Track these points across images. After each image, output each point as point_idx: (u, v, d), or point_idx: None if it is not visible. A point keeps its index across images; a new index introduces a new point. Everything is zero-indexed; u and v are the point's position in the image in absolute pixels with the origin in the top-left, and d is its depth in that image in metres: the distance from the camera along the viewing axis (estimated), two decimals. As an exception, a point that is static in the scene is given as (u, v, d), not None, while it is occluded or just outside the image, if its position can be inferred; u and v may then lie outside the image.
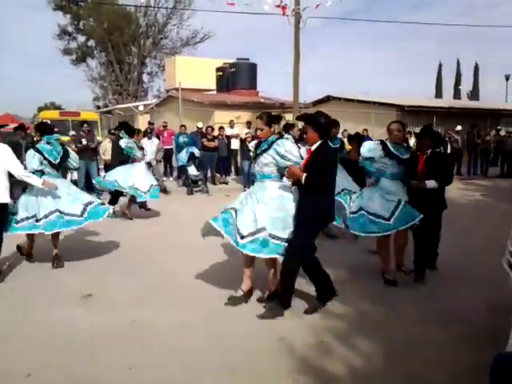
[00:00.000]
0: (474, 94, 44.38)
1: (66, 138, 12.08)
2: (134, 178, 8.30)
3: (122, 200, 9.14)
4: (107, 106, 35.67)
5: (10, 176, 5.12)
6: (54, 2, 36.58)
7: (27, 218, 5.39)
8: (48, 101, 46.37)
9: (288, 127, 7.99)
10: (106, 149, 11.83)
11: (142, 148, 8.88)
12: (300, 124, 9.69)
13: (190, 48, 38.41)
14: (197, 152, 12.16)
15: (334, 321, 4.05)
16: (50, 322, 4.00)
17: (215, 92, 23.16)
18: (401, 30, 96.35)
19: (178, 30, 38.25)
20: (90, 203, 5.69)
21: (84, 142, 11.00)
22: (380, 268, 5.12)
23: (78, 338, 3.71)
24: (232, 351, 3.49)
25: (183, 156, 12.15)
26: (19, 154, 6.49)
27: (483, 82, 53.04)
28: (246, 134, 13.05)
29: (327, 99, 20.36)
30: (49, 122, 15.21)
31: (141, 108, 23.90)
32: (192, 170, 12.31)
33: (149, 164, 9.48)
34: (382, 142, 5.06)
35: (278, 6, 14.75)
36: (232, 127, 15.15)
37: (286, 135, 4.33)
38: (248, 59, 22.38)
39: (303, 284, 4.53)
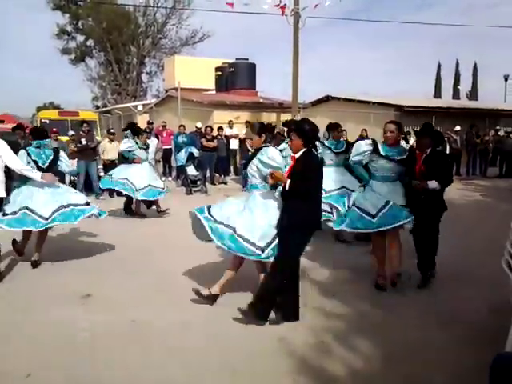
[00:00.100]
0: (473, 94, 44.46)
1: (65, 138, 12.11)
2: (132, 174, 8.34)
3: (122, 199, 9.14)
4: (106, 105, 35.58)
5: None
6: (53, 1, 36.47)
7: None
8: (47, 100, 46.43)
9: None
10: (105, 149, 11.83)
11: (146, 148, 8.79)
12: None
13: (189, 48, 38.34)
14: (196, 152, 12.17)
15: (334, 321, 4.05)
16: (49, 322, 3.99)
17: (214, 92, 23.15)
18: (400, 30, 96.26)
19: (177, 30, 38.18)
20: (67, 206, 5.53)
21: (84, 141, 10.98)
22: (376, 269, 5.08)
23: (77, 337, 3.71)
24: (232, 351, 3.49)
25: (182, 156, 12.16)
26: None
27: (482, 82, 53.07)
28: (245, 134, 13.05)
29: (326, 99, 20.32)
30: (47, 121, 15.38)
31: (140, 108, 23.84)
32: (191, 170, 12.32)
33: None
34: (374, 142, 5.04)
35: (277, 6, 14.78)
36: (231, 127, 15.16)
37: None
38: (247, 59, 22.38)
39: (303, 284, 4.51)
